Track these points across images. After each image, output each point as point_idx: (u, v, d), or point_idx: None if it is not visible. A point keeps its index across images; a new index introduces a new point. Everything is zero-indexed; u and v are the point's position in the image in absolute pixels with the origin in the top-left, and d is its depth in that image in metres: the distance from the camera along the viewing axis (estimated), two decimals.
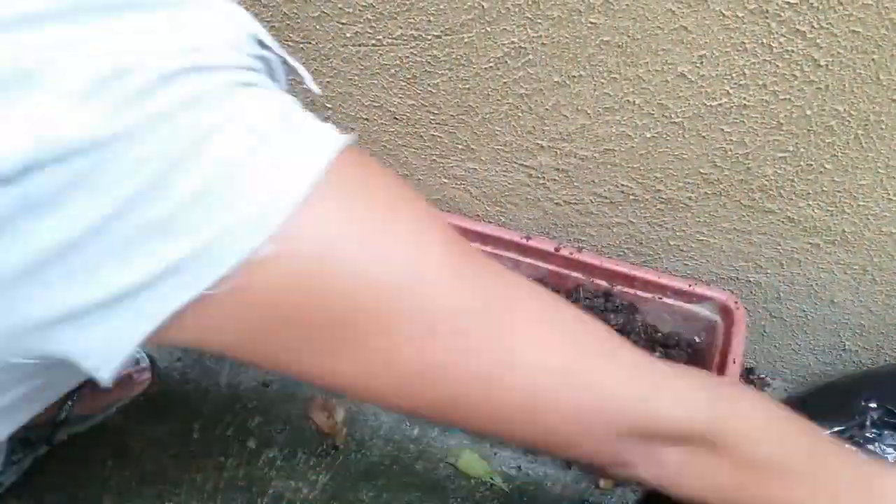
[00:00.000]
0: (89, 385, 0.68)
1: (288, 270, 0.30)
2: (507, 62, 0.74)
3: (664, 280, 0.93)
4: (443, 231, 0.35)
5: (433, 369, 0.35)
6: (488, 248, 0.99)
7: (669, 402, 0.42)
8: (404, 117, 0.87)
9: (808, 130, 0.69)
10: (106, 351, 0.30)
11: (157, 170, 0.28)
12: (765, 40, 0.62)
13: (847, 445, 0.54)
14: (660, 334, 0.99)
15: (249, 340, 0.33)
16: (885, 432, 0.76)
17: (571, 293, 0.99)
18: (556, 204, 0.92)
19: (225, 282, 0.29)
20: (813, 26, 0.60)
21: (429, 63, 0.78)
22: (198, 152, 0.28)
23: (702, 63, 0.66)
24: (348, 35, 0.78)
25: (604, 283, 0.97)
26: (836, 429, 0.81)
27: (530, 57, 0.72)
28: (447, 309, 0.34)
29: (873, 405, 0.82)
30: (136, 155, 0.27)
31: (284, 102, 0.32)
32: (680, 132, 0.74)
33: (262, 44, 0.34)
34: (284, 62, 0.37)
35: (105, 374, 0.31)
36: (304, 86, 0.40)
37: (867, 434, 0.79)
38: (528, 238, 0.96)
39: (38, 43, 0.26)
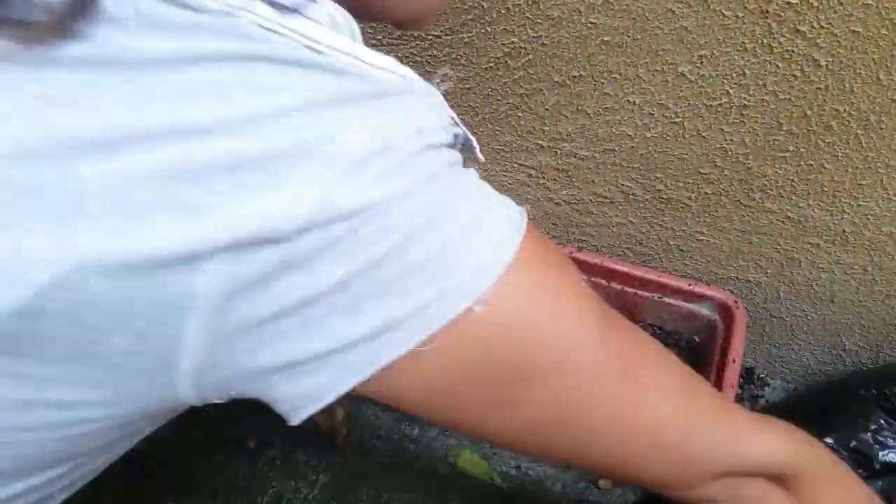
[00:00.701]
0: None
1: (484, 332, 0.34)
2: (507, 62, 0.74)
3: (664, 279, 0.93)
4: (591, 297, 0.40)
5: (579, 420, 0.39)
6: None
7: (759, 448, 0.47)
8: None
9: (808, 130, 0.69)
10: (308, 398, 0.33)
11: (399, 238, 0.31)
12: (765, 40, 0.62)
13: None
14: (662, 332, 0.99)
15: (433, 396, 0.36)
16: (885, 432, 0.76)
17: None
18: (556, 204, 0.92)
19: (433, 339, 0.32)
20: (813, 26, 0.60)
21: (429, 63, 0.78)
22: (431, 225, 0.32)
23: (702, 63, 0.66)
24: None
25: (603, 283, 0.97)
26: (835, 430, 0.81)
27: (530, 57, 0.72)
28: (596, 372, 0.38)
29: (873, 405, 0.82)
30: (385, 223, 0.30)
31: (478, 180, 0.37)
32: (680, 132, 0.74)
33: (454, 122, 0.37)
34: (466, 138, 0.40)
35: (297, 419, 0.34)
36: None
37: (867, 433, 0.79)
38: None
39: (313, 123, 0.29)
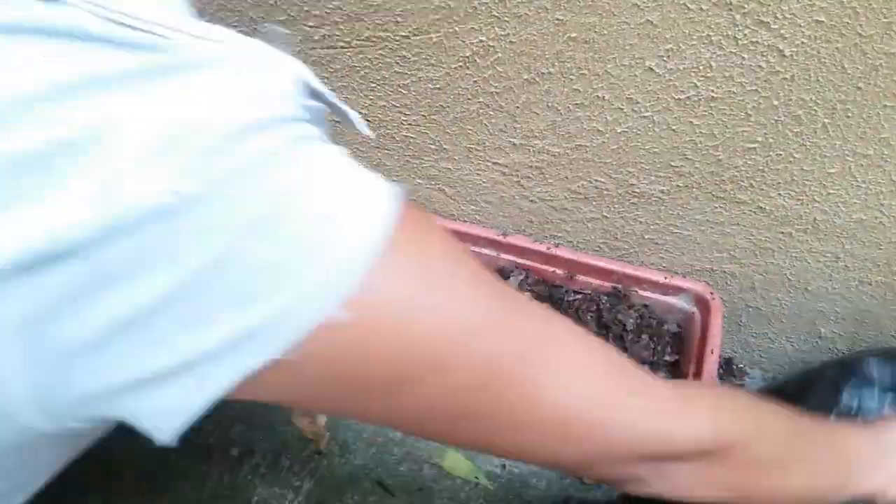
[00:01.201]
0: None
1: (357, 333, 0.31)
2: (476, 61, 0.74)
3: (640, 273, 0.94)
4: (485, 280, 0.37)
5: (478, 412, 0.37)
6: (468, 246, 0.98)
7: (680, 427, 0.45)
8: (375, 119, 0.87)
9: (776, 121, 0.69)
10: (170, 414, 0.30)
11: (230, 236, 0.27)
12: (730, 32, 0.63)
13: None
14: (640, 326, 1.00)
15: (315, 397, 0.34)
16: (860, 417, 0.77)
17: (550, 290, 0.99)
18: (531, 201, 0.92)
19: (296, 347, 0.29)
20: (776, 17, 0.60)
21: (398, 64, 0.78)
22: (271, 218, 0.28)
23: (669, 57, 0.67)
24: (316, 38, 0.78)
25: (581, 279, 0.97)
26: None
27: (499, 55, 0.72)
28: (488, 362, 0.36)
29: (851, 391, 0.82)
30: (207, 220, 0.26)
31: (340, 158, 0.32)
32: (650, 126, 0.74)
33: (310, 90, 0.33)
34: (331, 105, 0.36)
35: (165, 436, 0.30)
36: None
37: (833, 414, 0.80)
38: (504, 235, 0.96)
39: (99, 106, 0.25)
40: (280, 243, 0.28)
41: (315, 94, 0.34)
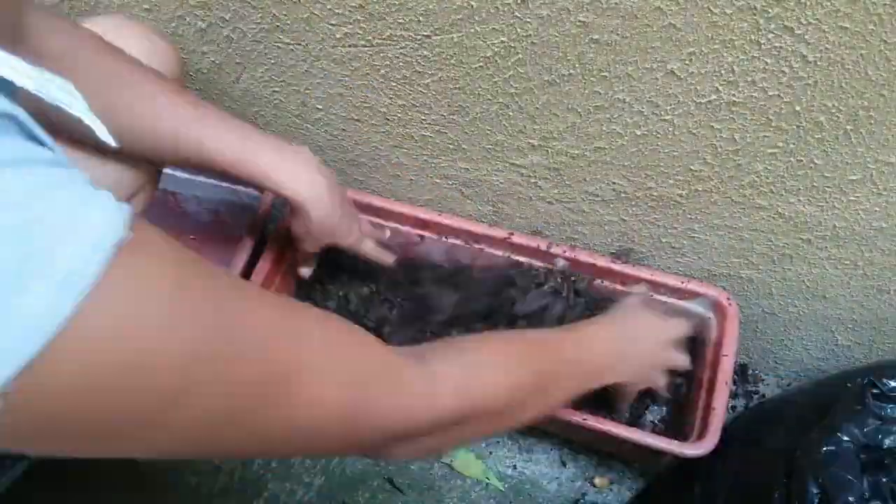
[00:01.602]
0: None
1: (67, 378, 0.28)
2: (496, 61, 0.74)
3: (657, 277, 0.94)
4: (210, 298, 0.35)
5: (211, 436, 0.36)
6: (481, 246, 0.99)
7: (421, 408, 0.49)
8: (395, 118, 0.87)
9: (798, 126, 0.69)
10: None
11: None
12: (753, 37, 0.62)
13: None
14: None
15: (21, 444, 0.31)
16: (879, 419, 0.76)
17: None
18: (548, 203, 0.92)
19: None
20: (801, 22, 0.60)
21: (419, 63, 0.78)
22: None
23: (691, 60, 0.66)
24: (338, 36, 0.78)
25: (597, 281, 0.97)
26: (831, 422, 0.81)
27: (520, 56, 0.72)
28: (232, 382, 0.35)
29: (866, 393, 0.82)
30: None
31: (58, 178, 0.28)
32: (670, 129, 0.74)
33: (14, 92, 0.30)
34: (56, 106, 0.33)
35: None
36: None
37: (863, 423, 0.79)
38: (510, 234, 0.96)
39: None
40: None
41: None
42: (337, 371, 0.42)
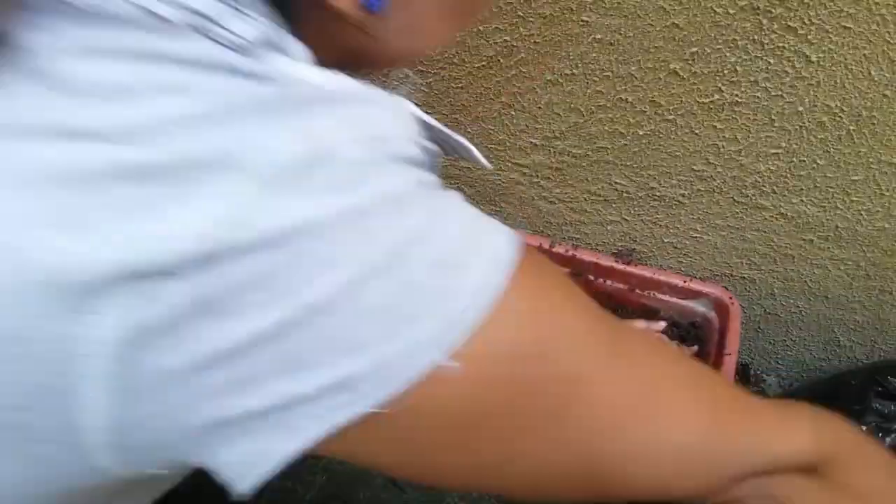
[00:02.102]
0: None
1: (461, 389, 0.29)
2: (499, 61, 0.74)
3: (659, 276, 0.94)
4: (601, 322, 0.35)
5: (590, 460, 0.35)
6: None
7: (785, 446, 0.44)
8: None
9: (800, 126, 0.69)
10: (253, 463, 0.27)
11: (350, 274, 0.25)
12: (756, 37, 0.62)
13: None
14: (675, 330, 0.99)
15: (402, 463, 0.31)
16: (882, 417, 0.76)
17: None
18: (551, 202, 0.92)
19: (397, 400, 0.27)
20: (804, 22, 0.60)
21: (421, 62, 0.78)
22: (393, 259, 0.26)
23: (693, 60, 0.66)
24: None
25: (599, 281, 0.97)
26: None
27: (522, 55, 0.72)
28: (608, 403, 0.34)
29: (868, 400, 0.82)
30: (327, 253, 0.25)
31: (462, 205, 0.31)
32: (672, 129, 0.74)
33: (426, 130, 0.32)
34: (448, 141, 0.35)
35: (244, 486, 0.28)
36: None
37: (865, 422, 0.79)
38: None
39: (228, 129, 0.24)
40: (397, 287, 0.26)
41: (428, 131, 0.33)
42: (696, 419, 0.40)
